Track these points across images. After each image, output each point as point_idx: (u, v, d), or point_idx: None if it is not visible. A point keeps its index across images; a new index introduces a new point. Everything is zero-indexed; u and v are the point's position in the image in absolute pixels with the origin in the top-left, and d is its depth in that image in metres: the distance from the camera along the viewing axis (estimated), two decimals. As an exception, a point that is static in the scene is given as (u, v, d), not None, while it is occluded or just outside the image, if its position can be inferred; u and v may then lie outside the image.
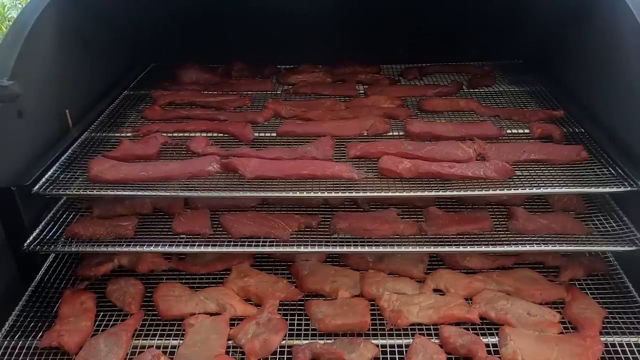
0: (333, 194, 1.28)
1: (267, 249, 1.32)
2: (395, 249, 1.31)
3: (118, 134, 1.61)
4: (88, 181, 1.33)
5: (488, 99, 1.83)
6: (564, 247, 1.31)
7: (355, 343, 1.16)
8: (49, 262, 1.45)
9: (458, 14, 1.90)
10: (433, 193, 1.29)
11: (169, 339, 1.22)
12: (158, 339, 1.22)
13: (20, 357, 1.18)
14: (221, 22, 1.95)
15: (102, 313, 1.30)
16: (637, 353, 1.16)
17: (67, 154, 1.44)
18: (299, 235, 1.36)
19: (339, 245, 1.33)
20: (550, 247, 1.30)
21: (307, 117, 1.68)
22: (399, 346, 1.18)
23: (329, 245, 1.34)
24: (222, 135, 1.60)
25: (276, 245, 1.33)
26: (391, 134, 1.59)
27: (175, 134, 1.59)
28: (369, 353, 1.15)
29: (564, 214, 1.44)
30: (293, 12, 1.73)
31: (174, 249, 1.32)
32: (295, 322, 1.26)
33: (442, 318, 1.24)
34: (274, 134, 1.59)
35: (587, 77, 1.61)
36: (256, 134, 1.59)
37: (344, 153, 1.45)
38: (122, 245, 1.33)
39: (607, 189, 1.29)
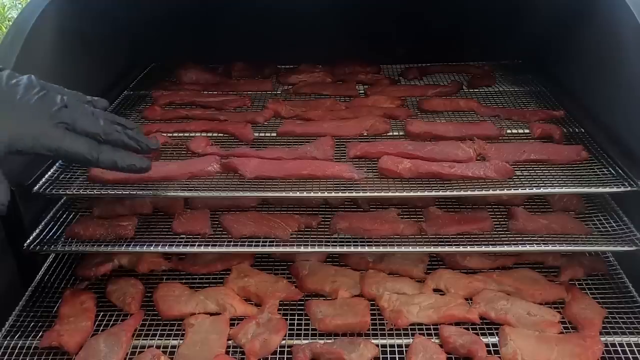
0: (333, 194, 1.28)
1: (267, 249, 1.32)
2: (395, 249, 1.31)
3: (118, 134, 1.61)
4: (88, 181, 1.33)
5: (488, 99, 1.83)
6: (564, 247, 1.30)
7: (355, 343, 1.16)
8: (49, 262, 1.45)
9: (458, 14, 1.90)
10: (433, 193, 1.29)
11: (169, 339, 1.22)
12: (158, 339, 1.22)
13: (20, 357, 1.18)
14: (221, 22, 1.95)
15: (102, 313, 1.30)
16: (637, 353, 1.16)
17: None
18: (299, 235, 1.36)
19: (339, 245, 1.33)
20: (550, 247, 1.30)
21: (307, 117, 1.68)
22: (399, 346, 1.18)
23: (329, 245, 1.34)
24: (222, 135, 1.60)
25: (276, 245, 1.33)
26: (391, 134, 1.59)
27: (175, 134, 1.59)
28: (369, 353, 1.15)
29: (564, 214, 1.44)
30: (293, 12, 1.73)
31: (174, 249, 1.32)
32: (295, 322, 1.26)
33: (442, 318, 1.24)
34: (274, 134, 1.59)
35: (587, 77, 1.61)
36: (256, 134, 1.59)
37: (344, 153, 1.45)
38: (122, 245, 1.33)
39: (607, 189, 1.29)
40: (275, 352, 1.18)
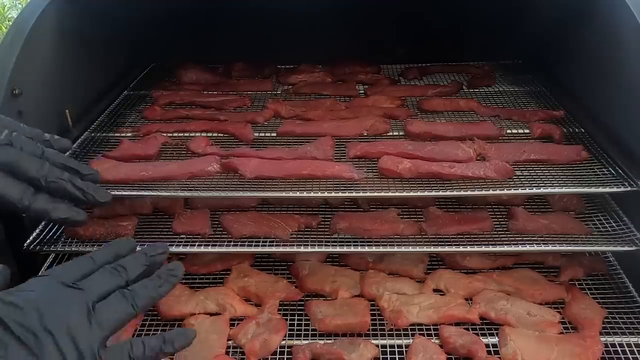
0: (333, 194, 1.28)
1: (267, 249, 1.32)
2: (395, 249, 1.31)
3: (118, 134, 1.61)
4: (88, 181, 1.33)
5: (488, 99, 1.83)
6: (564, 247, 1.30)
7: (355, 343, 1.16)
8: (49, 262, 1.45)
9: (458, 14, 1.90)
10: (433, 193, 1.29)
11: (169, 339, 1.22)
12: (158, 339, 1.22)
13: (20, 357, 1.18)
14: (221, 22, 1.95)
15: (102, 313, 1.30)
16: (637, 353, 1.16)
17: (67, 154, 1.44)
18: (299, 235, 1.36)
19: (339, 245, 1.33)
20: (550, 247, 1.30)
21: (307, 117, 1.68)
22: (399, 346, 1.18)
23: (329, 245, 1.34)
24: (222, 135, 1.60)
25: (276, 245, 1.33)
26: (391, 134, 1.59)
27: (175, 134, 1.59)
28: (369, 353, 1.15)
29: (564, 214, 1.44)
30: (293, 12, 1.73)
31: (174, 249, 1.31)
32: (295, 322, 1.26)
33: (442, 318, 1.24)
34: (274, 134, 1.59)
35: (587, 77, 1.61)
36: (256, 134, 1.59)
37: (344, 153, 1.45)
38: (122, 245, 1.33)
39: (607, 189, 1.29)
40: (275, 352, 1.18)
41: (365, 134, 1.57)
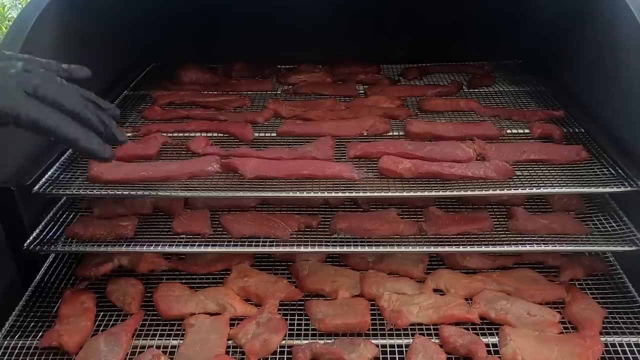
0: (333, 194, 1.28)
1: (267, 249, 1.32)
2: (395, 249, 1.31)
3: (118, 134, 1.61)
4: (88, 181, 1.33)
5: (488, 99, 1.83)
6: (564, 247, 1.31)
7: (355, 343, 1.16)
8: (49, 262, 1.45)
9: (458, 14, 1.90)
10: (433, 193, 1.29)
11: (169, 339, 1.22)
12: (158, 339, 1.22)
13: (20, 357, 1.18)
14: (221, 22, 1.95)
15: (102, 313, 1.30)
16: (637, 353, 1.16)
17: (67, 154, 1.44)
18: (299, 235, 1.36)
19: (339, 245, 1.33)
20: (550, 247, 1.30)
21: (307, 117, 1.68)
22: (399, 346, 1.18)
23: (329, 245, 1.34)
24: (222, 135, 1.60)
25: (276, 245, 1.33)
26: (391, 134, 1.59)
27: (175, 134, 1.59)
28: (369, 353, 1.15)
29: (564, 214, 1.44)
30: (293, 12, 1.73)
31: (174, 249, 1.32)
32: (295, 322, 1.26)
33: (442, 318, 1.24)
34: (274, 134, 1.59)
35: (587, 77, 1.61)
36: (256, 134, 1.59)
37: (344, 153, 1.45)
38: (122, 245, 1.33)
39: (607, 189, 1.29)
40: (275, 352, 1.18)
41: (365, 134, 1.57)
